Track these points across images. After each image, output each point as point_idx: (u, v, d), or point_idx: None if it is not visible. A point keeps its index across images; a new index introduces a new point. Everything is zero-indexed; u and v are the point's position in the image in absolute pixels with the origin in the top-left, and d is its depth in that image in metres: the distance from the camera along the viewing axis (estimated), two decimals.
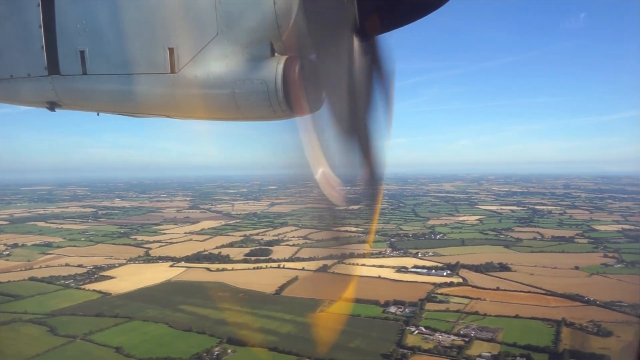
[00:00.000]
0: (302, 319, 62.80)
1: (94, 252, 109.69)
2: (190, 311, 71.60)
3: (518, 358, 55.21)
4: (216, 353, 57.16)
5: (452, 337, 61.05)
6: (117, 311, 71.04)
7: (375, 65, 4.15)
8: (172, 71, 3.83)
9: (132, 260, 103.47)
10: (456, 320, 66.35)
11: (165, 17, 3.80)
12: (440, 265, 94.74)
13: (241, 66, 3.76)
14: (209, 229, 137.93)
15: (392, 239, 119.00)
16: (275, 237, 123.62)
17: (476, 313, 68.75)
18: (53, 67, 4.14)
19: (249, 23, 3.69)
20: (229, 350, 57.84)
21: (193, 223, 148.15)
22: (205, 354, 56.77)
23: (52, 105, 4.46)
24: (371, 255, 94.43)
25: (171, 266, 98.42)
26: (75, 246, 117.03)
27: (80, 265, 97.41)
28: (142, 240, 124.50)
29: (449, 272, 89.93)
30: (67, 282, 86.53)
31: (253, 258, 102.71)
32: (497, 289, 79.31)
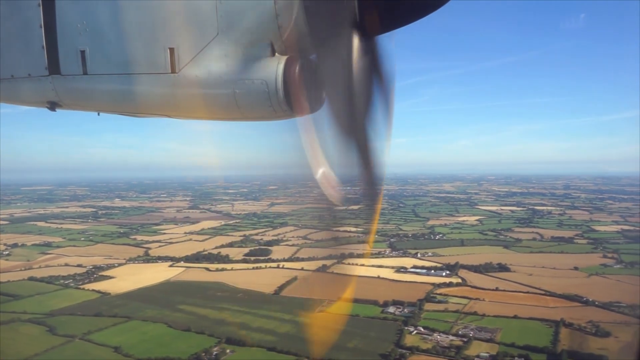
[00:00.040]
0: (301, 319, 62.83)
1: (94, 252, 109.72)
2: (189, 311, 71.63)
3: (516, 358, 55.19)
4: (215, 353, 57.18)
5: (451, 337, 61.07)
6: (116, 311, 71.07)
7: (375, 65, 4.17)
8: (173, 71, 3.86)
9: (131, 260, 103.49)
10: (455, 320, 66.38)
11: (165, 17, 3.82)
12: (439, 265, 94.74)
13: (241, 66, 3.79)
14: (208, 229, 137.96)
15: (392, 239, 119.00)
16: (275, 237, 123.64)
17: (475, 313, 68.77)
18: (53, 67, 4.16)
19: (249, 23, 3.71)
20: (228, 350, 57.87)
21: (193, 223, 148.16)
22: (204, 354, 56.79)
23: (52, 105, 4.49)
24: (370, 255, 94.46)
25: (170, 266, 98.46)
26: (74, 246, 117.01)
27: (79, 265, 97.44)
28: (141, 240, 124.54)
29: (448, 272, 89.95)
30: (67, 282, 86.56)
31: (252, 258, 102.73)
32: (496, 289, 79.34)
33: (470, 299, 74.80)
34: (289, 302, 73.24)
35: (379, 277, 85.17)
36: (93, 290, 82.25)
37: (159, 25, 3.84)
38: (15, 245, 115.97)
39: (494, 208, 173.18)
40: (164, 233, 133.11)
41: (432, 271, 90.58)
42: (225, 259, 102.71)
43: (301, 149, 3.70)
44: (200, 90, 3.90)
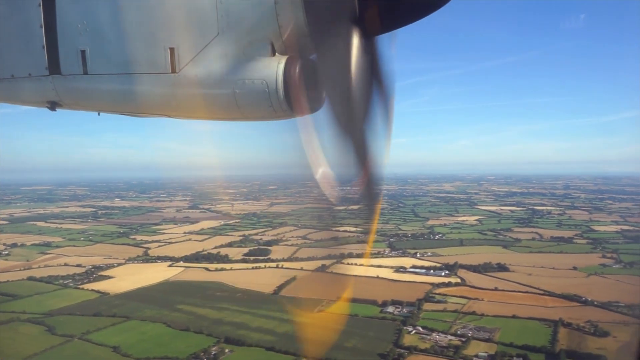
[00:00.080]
0: (299, 319, 62.81)
1: (93, 252, 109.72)
2: (188, 311, 71.68)
3: (515, 358, 55.22)
4: (213, 352, 57.21)
5: (449, 337, 61.10)
6: (115, 311, 71.10)
7: (375, 65, 4.17)
8: (173, 71, 3.87)
9: (131, 260, 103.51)
10: (453, 320, 66.39)
11: (165, 17, 3.84)
12: (438, 265, 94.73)
13: (242, 66, 3.80)
14: (208, 228, 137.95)
15: (391, 239, 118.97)
16: (274, 237, 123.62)
17: (473, 313, 68.79)
18: (54, 66, 4.18)
19: (249, 23, 3.73)
20: (227, 350, 57.91)
21: (192, 223, 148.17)
22: (202, 354, 56.83)
23: (52, 105, 4.51)
24: (370, 255, 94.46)
25: (170, 266, 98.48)
26: (74, 246, 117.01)
27: (79, 265, 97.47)
28: (141, 240, 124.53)
29: (447, 272, 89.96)
30: (66, 282, 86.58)
31: (252, 258, 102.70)
32: (495, 289, 79.36)
33: (469, 298, 74.81)
34: (288, 302, 73.18)
35: (378, 276, 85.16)
36: (92, 290, 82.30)
37: (159, 25, 3.85)
38: (14, 245, 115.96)
39: (493, 208, 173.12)
40: (164, 233, 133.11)
41: (431, 271, 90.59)
42: (225, 259, 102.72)
43: (301, 149, 3.70)
44: (200, 90, 3.92)
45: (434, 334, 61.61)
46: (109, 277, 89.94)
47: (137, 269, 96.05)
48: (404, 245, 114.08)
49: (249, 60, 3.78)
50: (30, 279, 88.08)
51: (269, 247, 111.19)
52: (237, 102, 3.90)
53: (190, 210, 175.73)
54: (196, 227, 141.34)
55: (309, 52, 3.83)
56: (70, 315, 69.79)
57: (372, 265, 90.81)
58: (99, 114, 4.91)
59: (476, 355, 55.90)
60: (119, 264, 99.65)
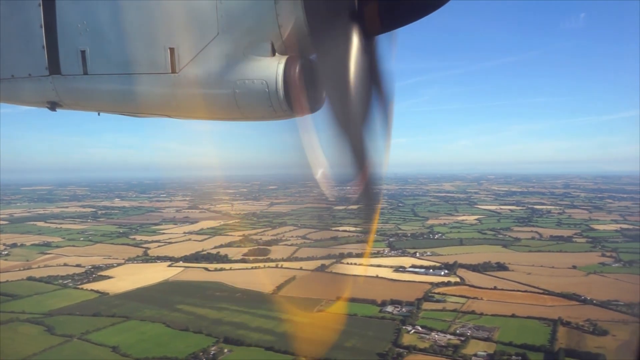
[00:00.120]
0: (299, 319, 62.92)
1: (93, 252, 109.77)
2: (187, 311, 71.71)
3: (514, 357, 55.28)
4: (212, 352, 57.25)
5: (448, 336, 61.12)
6: (115, 311, 71.14)
7: (375, 65, 4.17)
8: (173, 71, 3.87)
9: (130, 260, 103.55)
10: (453, 319, 66.42)
11: (165, 17, 3.83)
12: (438, 264, 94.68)
13: (242, 66, 3.80)
14: (207, 228, 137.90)
15: (391, 239, 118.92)
16: (274, 237, 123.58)
17: (473, 312, 68.83)
18: (54, 67, 4.18)
19: (249, 23, 3.73)
20: (225, 350, 57.95)
21: (192, 223, 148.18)
22: (201, 354, 56.86)
23: (53, 105, 4.51)
24: (369, 255, 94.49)
25: (169, 266, 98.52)
26: (74, 246, 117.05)
27: (78, 265, 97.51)
28: (140, 240, 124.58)
29: (446, 271, 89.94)
30: (65, 282, 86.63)
31: (251, 258, 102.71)
32: (495, 288, 79.37)
33: (469, 298, 74.85)
34: (288, 301, 73.24)
35: (377, 276, 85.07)
36: (92, 290, 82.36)
37: (159, 25, 3.85)
38: (14, 245, 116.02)
39: (493, 207, 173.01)
40: (163, 233, 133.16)
41: (431, 270, 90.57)
42: (224, 259, 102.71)
43: (301, 149, 3.71)
44: (200, 90, 3.92)
45: (433, 334, 61.63)
46: (109, 277, 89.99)
47: (137, 269, 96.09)
48: (403, 244, 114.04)
49: (249, 60, 3.78)
50: (29, 279, 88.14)
51: (269, 247, 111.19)
52: (237, 102, 3.90)
53: (190, 210, 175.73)
54: (196, 227, 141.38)
55: (309, 52, 3.83)
56: (70, 315, 69.83)
57: (371, 265, 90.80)
58: (99, 114, 4.92)
59: (475, 355, 55.94)
60: (119, 264, 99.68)
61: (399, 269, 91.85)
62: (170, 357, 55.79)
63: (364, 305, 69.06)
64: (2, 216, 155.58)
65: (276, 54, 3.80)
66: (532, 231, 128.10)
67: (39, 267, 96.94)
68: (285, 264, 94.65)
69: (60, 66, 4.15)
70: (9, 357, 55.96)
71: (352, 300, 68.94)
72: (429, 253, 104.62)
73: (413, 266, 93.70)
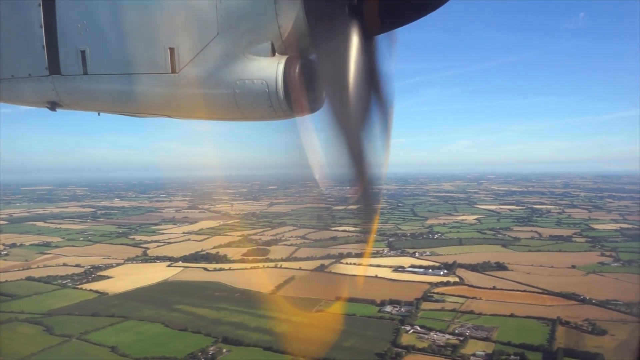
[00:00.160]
0: (298, 319, 62.88)
1: (92, 252, 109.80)
2: (186, 311, 71.69)
3: (512, 357, 55.26)
4: (211, 352, 57.26)
5: (447, 336, 61.11)
6: (113, 311, 71.15)
7: (375, 65, 4.17)
8: (173, 71, 3.87)
9: (129, 260, 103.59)
10: (451, 319, 66.40)
11: (165, 17, 3.83)
12: (437, 264, 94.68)
13: (242, 66, 3.79)
14: (207, 228, 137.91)
15: (390, 239, 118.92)
16: (273, 237, 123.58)
17: (471, 312, 68.84)
18: (54, 67, 4.18)
19: (249, 23, 3.73)
20: (224, 350, 57.96)
21: (191, 223, 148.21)
22: (200, 354, 56.86)
23: (53, 105, 4.52)
24: (369, 255, 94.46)
25: (169, 266, 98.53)
26: (73, 246, 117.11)
27: (77, 265, 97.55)
28: (140, 240, 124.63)
29: (445, 271, 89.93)
30: (65, 282, 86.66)
31: (250, 258, 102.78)
32: (494, 288, 79.37)
33: (468, 297, 74.85)
34: (287, 301, 73.19)
35: (376, 276, 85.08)
36: (91, 290, 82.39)
37: (159, 25, 3.84)
38: (13, 245, 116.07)
39: (492, 207, 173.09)
40: (163, 233, 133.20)
41: (430, 270, 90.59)
42: (224, 259, 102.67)
43: (301, 149, 3.72)
44: (200, 90, 3.92)
45: (431, 333, 61.62)
46: (108, 277, 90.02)
47: (136, 269, 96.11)
48: (402, 244, 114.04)
49: (249, 60, 3.78)
50: (29, 279, 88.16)
51: (268, 247, 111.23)
52: (237, 102, 3.89)
53: (190, 210, 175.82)
54: (195, 227, 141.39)
55: (308, 52, 3.83)
56: (69, 315, 69.85)
57: (370, 265, 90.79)
58: (99, 114, 4.92)
59: (474, 354, 55.94)
60: (118, 264, 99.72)
61: (398, 268, 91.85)
62: (169, 357, 55.78)
63: (363, 305, 69.06)
64: (1, 216, 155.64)
65: (276, 54, 3.79)
66: (531, 231, 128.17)
67: (38, 267, 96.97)
68: (285, 264, 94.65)
69: (60, 66, 4.16)
70: (8, 357, 55.99)
71: (351, 300, 68.97)
72: (428, 253, 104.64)
73: (412, 266, 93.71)
